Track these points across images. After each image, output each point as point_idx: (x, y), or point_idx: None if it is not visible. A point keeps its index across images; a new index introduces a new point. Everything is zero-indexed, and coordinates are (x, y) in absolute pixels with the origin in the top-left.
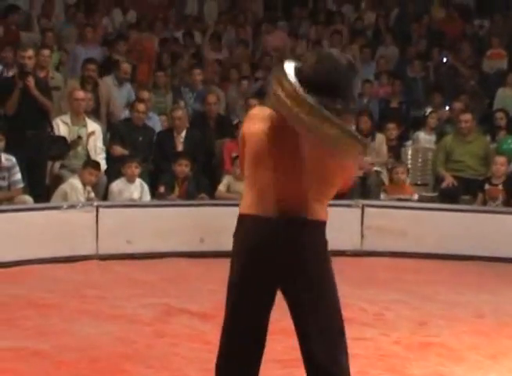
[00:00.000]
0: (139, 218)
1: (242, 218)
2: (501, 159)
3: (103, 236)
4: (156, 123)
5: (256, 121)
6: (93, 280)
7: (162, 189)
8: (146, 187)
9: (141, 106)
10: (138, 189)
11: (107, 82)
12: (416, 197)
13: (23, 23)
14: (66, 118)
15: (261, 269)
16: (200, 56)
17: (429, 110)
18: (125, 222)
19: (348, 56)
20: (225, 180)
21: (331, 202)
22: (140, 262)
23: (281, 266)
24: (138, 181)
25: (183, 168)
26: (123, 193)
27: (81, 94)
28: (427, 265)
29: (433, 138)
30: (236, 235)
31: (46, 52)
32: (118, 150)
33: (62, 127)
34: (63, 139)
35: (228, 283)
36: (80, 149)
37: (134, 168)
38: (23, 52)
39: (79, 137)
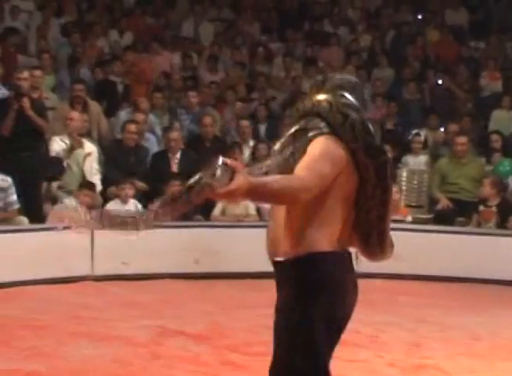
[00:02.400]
0: (135, 240)
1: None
2: (487, 180)
3: (99, 257)
4: (153, 144)
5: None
6: (88, 301)
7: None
8: (140, 208)
9: (132, 127)
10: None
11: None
12: (409, 218)
13: (20, 44)
14: (64, 138)
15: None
16: (196, 77)
17: (414, 132)
18: (121, 244)
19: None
20: (220, 204)
21: None
22: (135, 284)
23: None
24: (132, 202)
25: (176, 188)
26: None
27: (74, 114)
28: (422, 287)
29: (422, 159)
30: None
31: (38, 72)
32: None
33: (59, 146)
34: (59, 159)
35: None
36: (75, 169)
37: (127, 190)
38: (18, 73)
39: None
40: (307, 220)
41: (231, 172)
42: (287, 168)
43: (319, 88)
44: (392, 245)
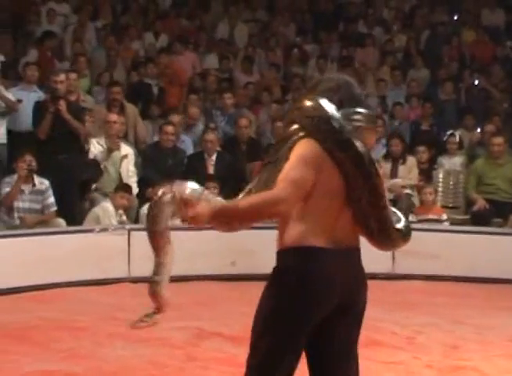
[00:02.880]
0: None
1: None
2: None
3: (135, 259)
4: (189, 146)
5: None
6: (125, 302)
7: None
8: None
9: (169, 128)
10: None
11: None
12: (445, 216)
13: (56, 48)
14: (101, 141)
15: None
16: (232, 79)
17: (448, 133)
18: None
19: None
20: None
21: None
22: (172, 285)
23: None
24: None
25: (211, 190)
26: None
27: (113, 117)
28: (459, 289)
29: (457, 160)
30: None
31: (73, 75)
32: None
33: (96, 149)
34: (96, 162)
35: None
36: (112, 171)
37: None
38: (55, 76)
39: (109, 150)
40: (292, 217)
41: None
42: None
43: (303, 96)
44: (405, 234)
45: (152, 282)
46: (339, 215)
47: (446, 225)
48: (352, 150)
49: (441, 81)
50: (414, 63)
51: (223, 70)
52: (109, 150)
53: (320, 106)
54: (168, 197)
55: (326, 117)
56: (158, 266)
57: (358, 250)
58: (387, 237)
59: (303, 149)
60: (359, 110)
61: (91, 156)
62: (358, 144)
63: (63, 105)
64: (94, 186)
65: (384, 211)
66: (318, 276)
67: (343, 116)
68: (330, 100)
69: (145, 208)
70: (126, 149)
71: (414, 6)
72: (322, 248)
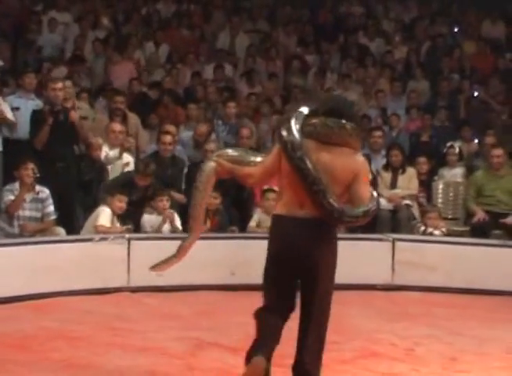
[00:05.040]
0: (170, 251)
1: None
2: None
3: (135, 268)
4: (182, 155)
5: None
6: (124, 312)
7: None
8: (177, 219)
9: (167, 138)
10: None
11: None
12: (444, 230)
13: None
14: (105, 148)
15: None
16: (231, 88)
17: (448, 144)
18: (157, 255)
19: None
20: (256, 216)
21: (362, 236)
22: (171, 295)
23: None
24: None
25: (213, 200)
26: (154, 225)
27: (117, 126)
28: (458, 300)
29: (458, 171)
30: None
31: (68, 83)
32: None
33: (109, 153)
34: (102, 163)
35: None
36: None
37: (165, 202)
38: (53, 84)
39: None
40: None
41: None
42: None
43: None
44: (364, 214)
45: (183, 238)
46: (295, 192)
47: (445, 237)
48: (288, 153)
49: (441, 92)
50: (414, 74)
51: (222, 80)
52: (114, 158)
53: (288, 126)
54: (211, 166)
55: (282, 128)
56: (190, 230)
57: (315, 219)
58: (330, 209)
59: (274, 148)
60: (333, 119)
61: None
62: (289, 145)
63: (74, 115)
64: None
65: (315, 189)
66: (276, 234)
67: (317, 122)
68: (313, 110)
69: (145, 216)
70: (127, 157)
71: (415, 18)
72: (281, 215)
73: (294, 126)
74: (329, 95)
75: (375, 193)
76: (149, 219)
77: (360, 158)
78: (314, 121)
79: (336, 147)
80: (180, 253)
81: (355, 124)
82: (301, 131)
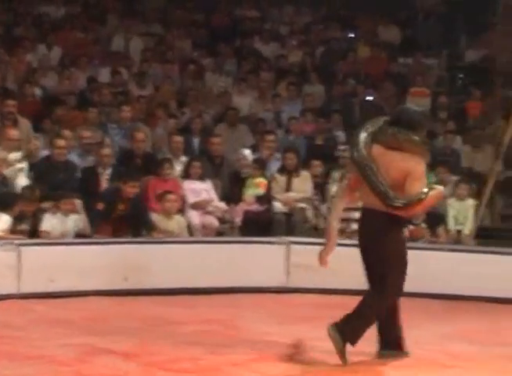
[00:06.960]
0: (62, 257)
1: None
2: None
3: (25, 274)
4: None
5: None
6: (12, 319)
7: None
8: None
9: (61, 142)
10: (73, 223)
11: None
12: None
13: None
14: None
15: None
16: (126, 92)
17: (342, 148)
18: (48, 261)
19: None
20: (153, 219)
21: (256, 239)
22: (62, 301)
23: None
24: (72, 217)
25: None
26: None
27: (15, 134)
28: (354, 302)
29: None
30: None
31: None
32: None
33: None
34: None
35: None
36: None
37: (70, 204)
38: None
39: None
40: None
41: None
42: None
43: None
44: (395, 203)
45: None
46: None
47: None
48: (357, 163)
49: (335, 96)
50: (309, 78)
51: (117, 84)
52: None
53: (357, 140)
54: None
55: (352, 149)
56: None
57: (374, 210)
58: (381, 199)
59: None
60: (404, 132)
61: None
62: (355, 155)
63: None
64: None
65: (367, 182)
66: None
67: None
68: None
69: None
70: (22, 163)
71: (308, 22)
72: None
73: (362, 143)
74: (402, 108)
75: (425, 190)
76: (50, 219)
77: (414, 161)
78: (387, 130)
79: (398, 152)
80: (321, 263)
81: (421, 136)
82: (373, 136)
